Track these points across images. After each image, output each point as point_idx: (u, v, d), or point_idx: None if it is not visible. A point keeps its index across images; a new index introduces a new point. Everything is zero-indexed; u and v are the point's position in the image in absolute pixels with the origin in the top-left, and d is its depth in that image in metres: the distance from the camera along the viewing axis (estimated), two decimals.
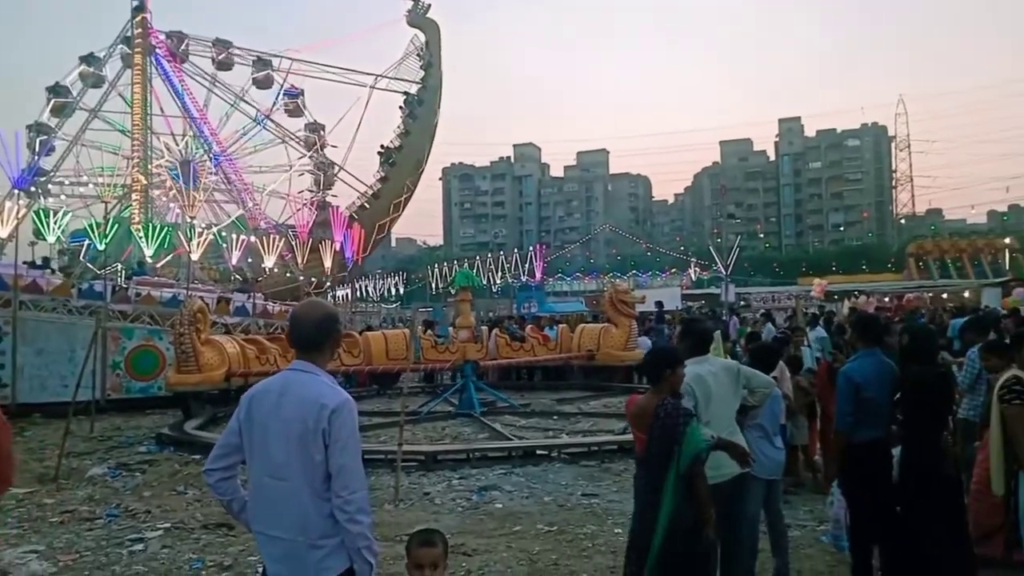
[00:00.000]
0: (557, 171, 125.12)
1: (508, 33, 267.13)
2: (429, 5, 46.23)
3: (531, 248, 61.85)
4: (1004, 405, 4.19)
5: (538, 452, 9.22)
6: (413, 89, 45.64)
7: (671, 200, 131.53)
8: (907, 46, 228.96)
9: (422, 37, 46.30)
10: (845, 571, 4.86)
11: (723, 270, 43.08)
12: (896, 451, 4.74)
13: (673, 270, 64.48)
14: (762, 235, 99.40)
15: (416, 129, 45.29)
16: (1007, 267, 49.64)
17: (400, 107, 46.12)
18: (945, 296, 33.25)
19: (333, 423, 2.50)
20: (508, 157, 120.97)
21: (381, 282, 71.05)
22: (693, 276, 60.53)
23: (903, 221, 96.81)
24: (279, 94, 44.72)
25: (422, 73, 45.94)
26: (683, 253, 69.83)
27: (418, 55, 46.38)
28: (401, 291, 67.63)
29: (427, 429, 11.91)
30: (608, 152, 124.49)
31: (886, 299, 28.56)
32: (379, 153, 44.85)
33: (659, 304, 22.89)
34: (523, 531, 6.30)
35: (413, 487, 7.95)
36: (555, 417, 12.81)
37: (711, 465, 3.68)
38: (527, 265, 58.17)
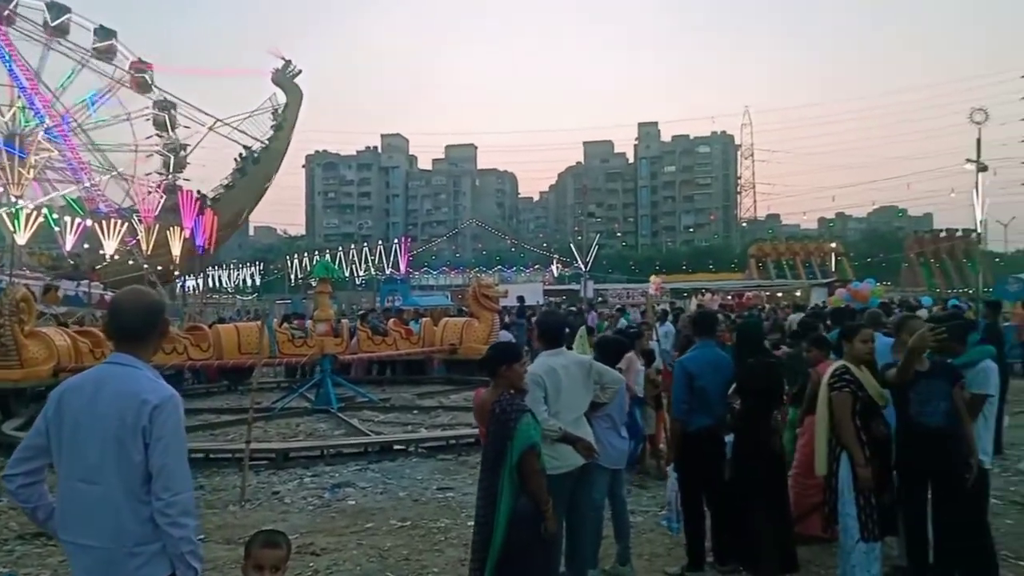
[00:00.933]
0: (425, 163, 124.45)
1: (379, 20, 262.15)
2: (299, 71, 44.64)
3: (396, 240, 61.16)
4: (833, 392, 4.48)
5: (395, 447, 9.12)
6: (256, 145, 43.95)
7: (536, 197, 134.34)
8: (754, 60, 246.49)
9: (282, 98, 44.77)
10: (681, 552, 5.14)
11: (583, 267, 44.52)
12: (729, 439, 5.08)
13: (537, 266, 65.96)
14: (620, 234, 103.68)
15: (242, 186, 43.67)
16: (833, 269, 54.66)
17: (235, 158, 44.33)
18: (780, 295, 36.14)
19: (155, 420, 2.33)
20: (375, 147, 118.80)
21: (236, 272, 67.71)
22: (555, 272, 62.15)
23: (745, 224, 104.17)
24: (128, 68, 41.52)
25: (271, 133, 44.35)
26: (546, 250, 71.57)
27: (272, 113, 44.78)
28: (258, 282, 64.72)
29: (280, 426, 11.47)
30: (476, 147, 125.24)
31: (729, 296, 30.66)
32: (198, 197, 41.88)
33: (521, 299, 23.33)
34: (375, 527, 6.20)
35: (262, 487, 7.63)
36: (415, 412, 12.72)
37: (557, 456, 3.77)
38: (392, 258, 57.45)
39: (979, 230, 34.22)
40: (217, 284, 64.84)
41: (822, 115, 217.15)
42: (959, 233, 56.51)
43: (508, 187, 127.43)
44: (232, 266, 67.88)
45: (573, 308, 27.26)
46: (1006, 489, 7.09)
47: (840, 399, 4.37)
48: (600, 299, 37.69)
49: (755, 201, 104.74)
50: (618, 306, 26.56)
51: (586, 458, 3.99)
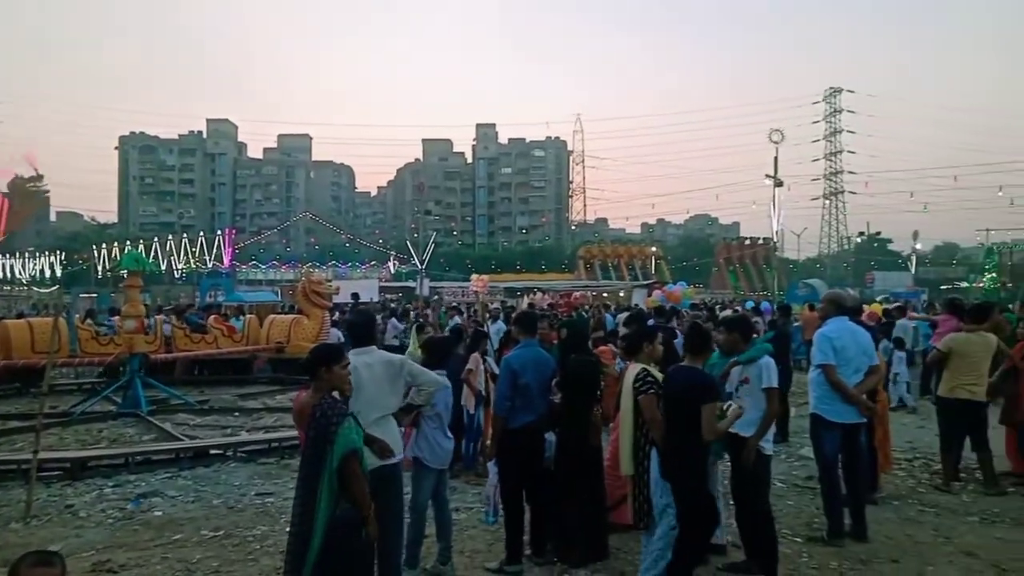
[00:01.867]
0: (256, 152, 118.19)
1: None
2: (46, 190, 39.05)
3: (220, 232, 57.66)
4: (640, 396, 4.72)
5: (211, 452, 8.60)
6: None
7: (374, 193, 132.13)
8: (588, 71, 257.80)
9: None
10: (502, 547, 5.26)
11: (419, 264, 44.37)
12: (550, 435, 5.27)
13: (373, 262, 64.86)
14: (456, 232, 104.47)
15: None
16: (653, 271, 58.46)
17: None
18: (606, 295, 38.07)
19: None
20: (200, 131, 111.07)
21: (34, 262, 60.83)
22: (392, 269, 61.46)
23: (576, 227, 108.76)
24: None
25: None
26: (383, 246, 70.59)
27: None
28: (59, 273, 58.44)
29: (80, 432, 10.43)
30: (311, 138, 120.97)
31: (559, 296, 31.86)
32: None
33: (355, 296, 22.83)
34: (184, 539, 5.81)
35: (53, 500, 6.91)
36: (236, 414, 12.05)
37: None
38: (216, 250, 54.09)
39: (775, 239, 37.97)
40: (8, 275, 57.88)
41: (648, 127, 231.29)
42: (760, 241, 62.43)
43: (345, 181, 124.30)
44: (28, 255, 60.84)
45: (404, 305, 27.07)
46: (789, 473, 7.91)
47: (647, 401, 4.65)
48: (436, 297, 37.77)
49: (585, 205, 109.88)
50: (453, 303, 26.74)
51: (381, 459, 3.99)
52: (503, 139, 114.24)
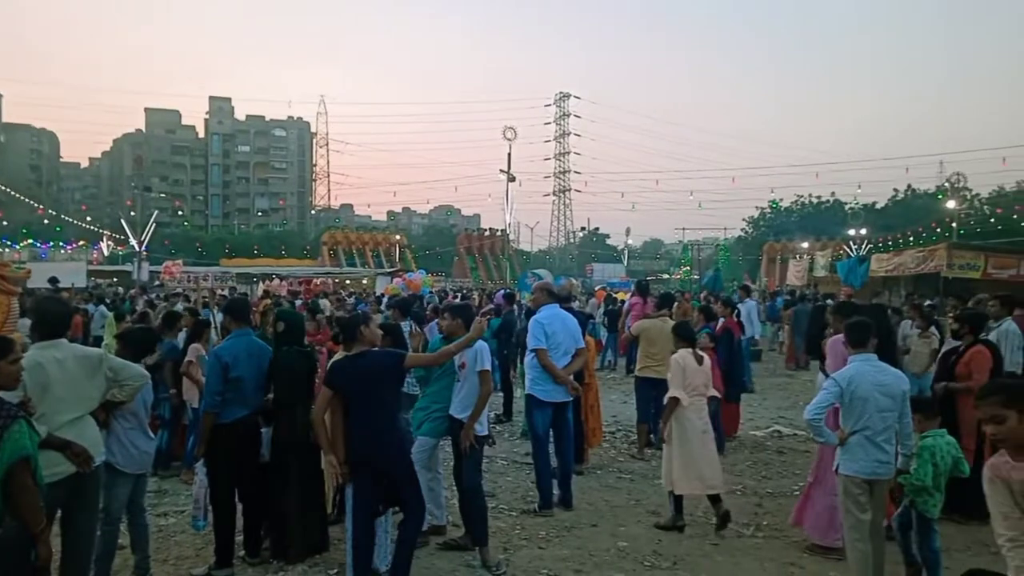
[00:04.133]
0: None
1: None
2: None
3: None
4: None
5: None
6: None
7: (85, 164, 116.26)
8: (333, 53, 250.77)
9: None
10: (211, 551, 4.92)
11: (137, 246, 40.10)
12: (265, 430, 5.02)
13: (82, 242, 57.01)
14: (181, 212, 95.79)
15: None
16: (398, 259, 58.76)
17: None
18: (349, 282, 37.47)
19: None
20: None
21: None
22: (106, 251, 54.72)
23: (318, 211, 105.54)
24: None
25: None
26: (95, 224, 62.47)
27: None
28: None
29: None
30: (1, 95, 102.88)
31: (298, 283, 30.65)
32: None
33: (53, 280, 19.93)
34: None
35: None
36: None
37: (42, 464, 3.25)
38: None
39: (510, 231, 40.14)
40: None
41: (393, 115, 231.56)
42: (498, 233, 65.68)
43: (47, 148, 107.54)
44: None
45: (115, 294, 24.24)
46: (511, 451, 8.42)
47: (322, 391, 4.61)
48: (159, 283, 34.26)
49: (329, 190, 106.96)
50: (177, 290, 24.47)
51: (80, 467, 3.54)
52: (240, 115, 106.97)
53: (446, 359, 4.98)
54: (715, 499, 5.76)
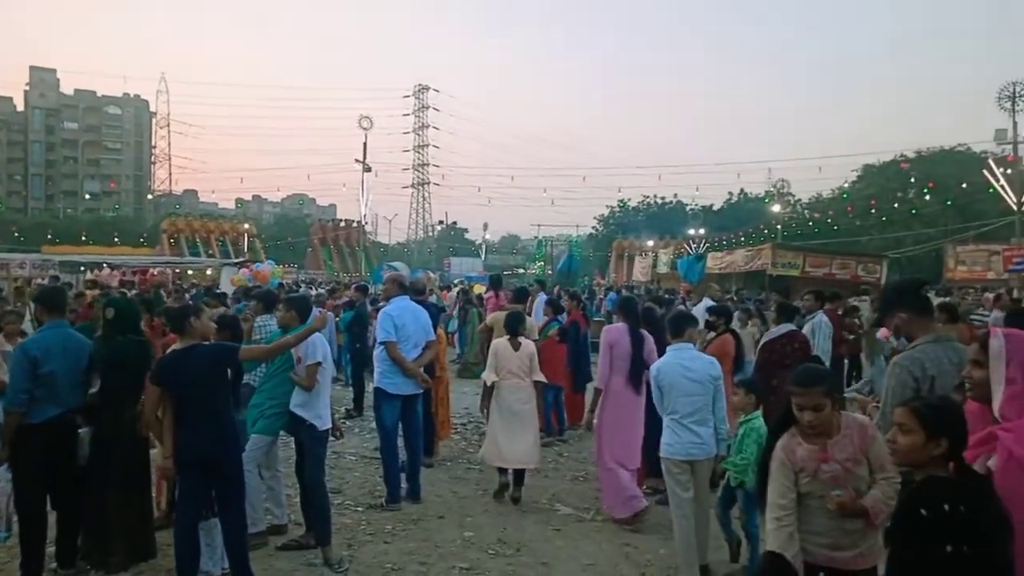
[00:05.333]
0: None
1: None
2: None
3: None
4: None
5: None
6: None
7: None
8: (174, 27, 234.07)
9: None
10: (15, 567, 4.45)
11: None
12: (84, 431, 4.60)
13: None
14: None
15: None
16: (246, 249, 55.96)
17: None
18: (191, 272, 35.23)
19: None
20: None
21: None
22: None
23: (159, 196, 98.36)
24: None
25: None
26: None
27: None
28: None
29: None
30: None
31: (132, 273, 28.43)
32: None
33: None
34: None
35: None
36: None
37: None
38: None
39: (365, 223, 39.39)
40: None
41: (244, 97, 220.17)
42: (355, 224, 64.28)
43: None
44: None
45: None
46: (360, 446, 8.26)
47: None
48: None
49: (171, 174, 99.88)
50: None
51: None
52: (67, 89, 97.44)
53: (282, 351, 4.79)
54: (518, 479, 6.20)
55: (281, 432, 5.26)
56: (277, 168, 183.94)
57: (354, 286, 13.72)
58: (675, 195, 71.19)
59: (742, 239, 42.52)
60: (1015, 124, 28.45)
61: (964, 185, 38.38)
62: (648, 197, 71.72)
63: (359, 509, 6.06)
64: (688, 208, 63.39)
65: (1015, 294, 19.75)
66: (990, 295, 18.13)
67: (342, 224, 67.59)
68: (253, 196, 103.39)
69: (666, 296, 14.87)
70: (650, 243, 51.65)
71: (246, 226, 61.19)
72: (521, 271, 70.39)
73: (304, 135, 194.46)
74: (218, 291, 13.32)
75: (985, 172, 28.10)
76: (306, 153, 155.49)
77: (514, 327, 6.46)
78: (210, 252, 54.52)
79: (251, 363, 5.01)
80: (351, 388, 10.64)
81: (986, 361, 2.51)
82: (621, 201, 71.70)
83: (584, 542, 5.42)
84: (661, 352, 5.12)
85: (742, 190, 68.51)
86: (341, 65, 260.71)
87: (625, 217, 69.78)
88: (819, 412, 2.81)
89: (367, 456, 7.80)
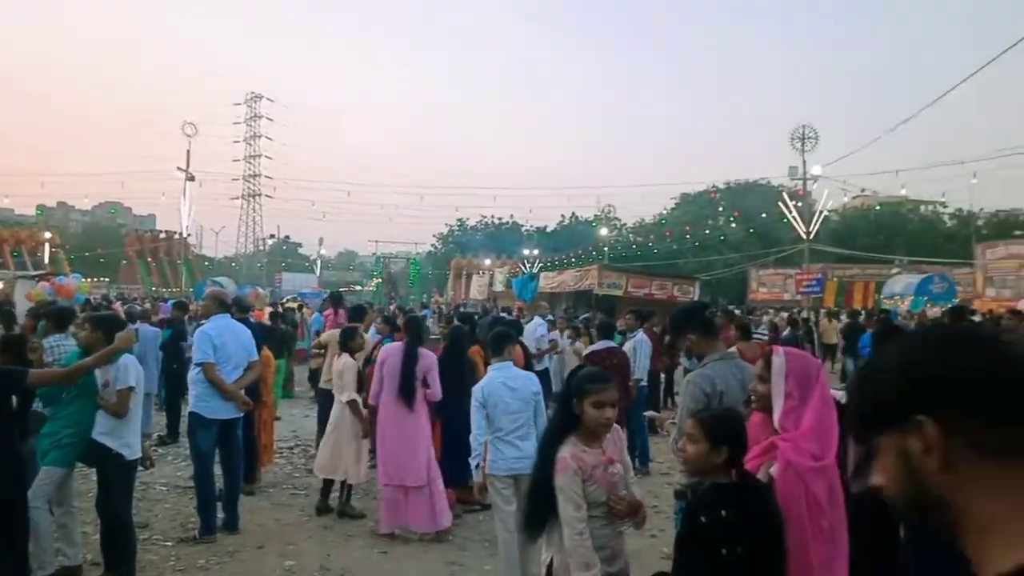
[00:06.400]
0: None
1: None
2: None
3: None
4: None
5: None
6: None
7: None
8: None
9: None
10: None
11: None
12: None
13: None
14: None
15: None
16: (48, 261, 50.47)
17: None
18: None
19: None
20: None
21: None
22: None
23: None
24: None
25: None
26: None
27: None
28: None
29: None
30: None
31: None
32: None
33: None
34: None
35: None
36: None
37: None
38: None
39: (188, 234, 36.93)
40: None
41: (42, 94, 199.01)
42: (177, 235, 59.97)
43: None
44: None
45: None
46: (173, 475, 7.70)
47: None
48: None
49: None
50: None
51: None
52: None
53: (80, 375, 4.39)
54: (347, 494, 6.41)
55: (79, 464, 4.81)
56: (85, 174, 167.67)
57: (171, 303, 12.81)
58: (511, 216, 73.04)
59: (573, 260, 44.35)
60: (804, 162, 31.93)
61: (764, 215, 42.68)
62: (485, 217, 73.01)
63: (168, 543, 5.64)
64: (523, 229, 65.17)
65: (804, 314, 22.21)
66: (785, 314, 20.26)
67: (162, 235, 62.84)
68: (58, 203, 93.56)
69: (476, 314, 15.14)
70: (487, 262, 52.50)
71: (47, 235, 55.26)
72: (359, 287, 68.96)
73: (120, 139, 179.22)
74: (6, 308, 11.90)
75: (780, 204, 31.36)
76: (122, 158, 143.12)
77: (345, 342, 6.66)
78: (1, 263, 48.68)
79: (52, 388, 4.54)
80: (164, 413, 9.90)
81: (769, 376, 2.79)
82: (459, 220, 72.42)
83: (410, 563, 5.39)
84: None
85: (573, 213, 71.58)
86: (166, 69, 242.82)
87: (463, 236, 70.51)
88: (615, 408, 2.97)
89: (180, 486, 7.28)
